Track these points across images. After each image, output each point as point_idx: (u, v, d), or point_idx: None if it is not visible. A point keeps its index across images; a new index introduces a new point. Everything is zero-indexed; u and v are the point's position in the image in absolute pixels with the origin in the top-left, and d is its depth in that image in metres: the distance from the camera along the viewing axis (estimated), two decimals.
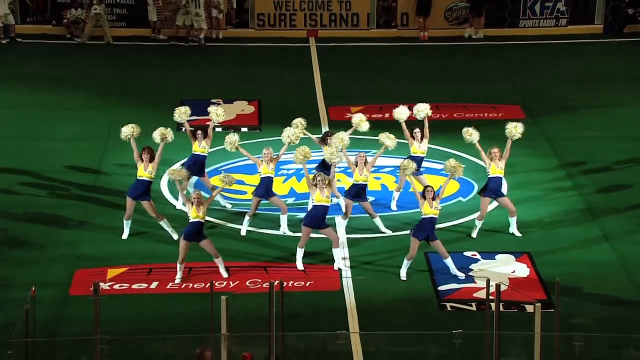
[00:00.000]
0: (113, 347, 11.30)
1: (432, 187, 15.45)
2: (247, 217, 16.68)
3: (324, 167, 17.15)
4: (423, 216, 15.22)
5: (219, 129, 21.16)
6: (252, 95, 23.07)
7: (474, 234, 16.49)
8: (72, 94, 23.02)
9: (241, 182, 18.61)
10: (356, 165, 16.39)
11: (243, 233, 16.68)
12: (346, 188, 16.90)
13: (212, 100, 22.67)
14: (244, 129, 21.26)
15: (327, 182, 15.54)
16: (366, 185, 16.47)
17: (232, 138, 16.84)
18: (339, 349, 12.86)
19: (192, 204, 15.13)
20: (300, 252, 15.57)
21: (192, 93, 23.26)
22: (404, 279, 15.28)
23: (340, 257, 15.65)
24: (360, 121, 17.55)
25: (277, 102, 22.66)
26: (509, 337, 12.25)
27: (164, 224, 16.42)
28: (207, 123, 18.03)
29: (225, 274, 15.23)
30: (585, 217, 17.46)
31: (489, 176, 16.48)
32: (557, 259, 16.06)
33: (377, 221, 16.63)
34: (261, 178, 16.60)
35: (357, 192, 16.44)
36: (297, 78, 24.22)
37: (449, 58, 25.82)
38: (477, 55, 25.97)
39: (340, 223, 16.65)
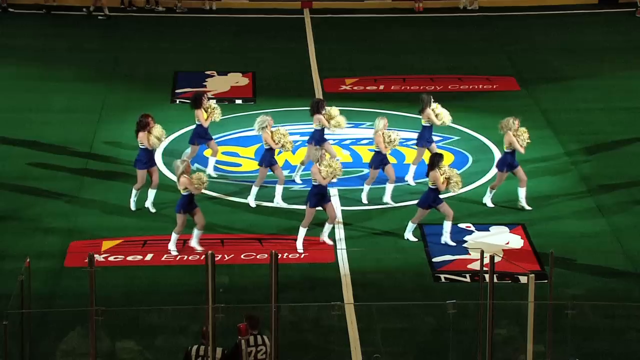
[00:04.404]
0: (108, 319, 11.33)
1: (441, 154, 15.54)
2: (254, 188, 16.56)
3: (319, 138, 17.13)
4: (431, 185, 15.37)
5: (212, 101, 21.17)
6: (247, 67, 23.01)
7: (489, 203, 16.47)
8: (65, 66, 22.93)
9: (236, 155, 18.62)
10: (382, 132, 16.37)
11: (253, 205, 16.55)
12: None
13: (207, 72, 22.63)
14: (238, 101, 21.22)
15: (318, 159, 15.40)
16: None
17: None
18: (334, 319, 12.91)
19: (185, 174, 15.04)
20: (303, 232, 15.38)
21: (186, 65, 23.20)
22: (414, 240, 15.37)
23: (328, 232, 15.46)
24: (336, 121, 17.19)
25: (272, 74, 22.60)
26: (502, 307, 12.32)
27: (135, 192, 16.33)
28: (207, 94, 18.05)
29: (199, 248, 15.13)
30: (579, 189, 17.49)
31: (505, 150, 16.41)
32: (551, 231, 16.11)
33: (390, 188, 16.61)
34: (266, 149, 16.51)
35: (382, 159, 16.43)
36: (291, 50, 24.15)
37: (443, 29, 25.75)
38: (472, 27, 25.90)
39: (365, 189, 16.64)
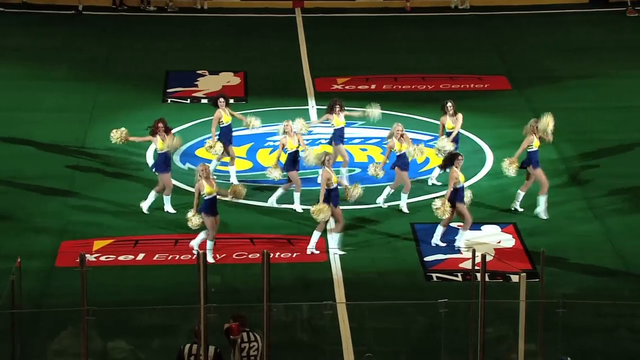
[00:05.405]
0: (100, 318, 11.31)
1: (457, 154, 15.63)
2: (296, 194, 16.43)
3: (342, 137, 17.10)
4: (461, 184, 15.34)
5: (204, 101, 21.15)
6: (238, 66, 22.99)
7: (542, 213, 16.30)
8: (57, 65, 22.88)
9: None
10: (396, 138, 16.30)
11: (300, 210, 16.41)
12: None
13: (198, 72, 22.61)
14: (230, 101, 21.19)
15: (333, 162, 15.37)
16: (405, 154, 16.44)
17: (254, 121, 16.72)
18: (326, 319, 12.92)
19: (202, 178, 14.89)
20: (336, 236, 15.29)
21: (178, 64, 23.17)
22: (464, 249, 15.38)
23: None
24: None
25: (263, 74, 22.59)
26: (494, 306, 12.34)
27: (153, 195, 16.32)
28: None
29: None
30: (570, 188, 17.52)
31: (529, 150, 16.30)
32: (542, 230, 16.14)
33: (388, 190, 16.54)
34: (289, 153, 16.42)
35: (406, 161, 16.44)
36: (283, 49, 24.14)
37: (435, 28, 25.77)
38: (463, 26, 25.93)
39: (403, 197, 16.50)
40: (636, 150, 18.96)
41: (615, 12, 26.85)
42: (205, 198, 14.95)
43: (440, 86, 22.02)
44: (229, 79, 22.35)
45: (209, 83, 22.06)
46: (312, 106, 20.73)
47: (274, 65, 23.14)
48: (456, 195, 15.34)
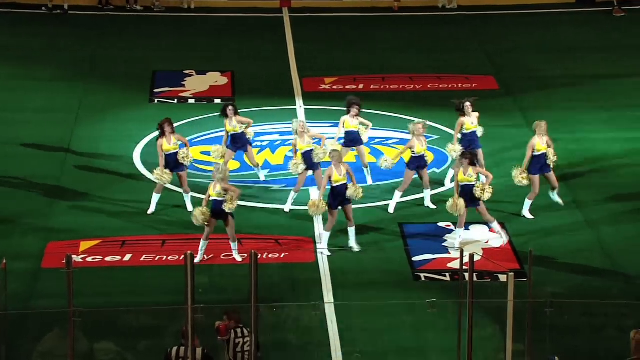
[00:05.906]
0: (86, 320, 11.26)
1: (468, 153, 15.48)
2: (292, 193, 16.33)
3: (353, 141, 16.97)
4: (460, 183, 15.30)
5: (192, 101, 21.10)
6: (226, 66, 22.95)
7: (527, 214, 16.31)
8: (42, 65, 22.78)
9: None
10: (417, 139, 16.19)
11: (287, 210, 16.36)
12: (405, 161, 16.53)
13: (185, 72, 22.55)
14: (217, 101, 21.16)
15: (341, 160, 15.21)
16: (424, 155, 16.35)
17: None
18: (314, 319, 12.89)
19: (214, 179, 14.83)
20: (326, 235, 15.25)
21: (164, 64, 23.10)
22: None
23: (354, 236, 15.36)
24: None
25: (251, 73, 22.55)
26: (482, 305, 12.34)
27: (187, 197, 16.21)
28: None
29: (238, 258, 14.98)
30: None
31: (534, 153, 16.22)
32: (530, 229, 16.15)
33: (428, 193, 16.47)
34: (302, 153, 16.22)
35: (419, 164, 16.33)
36: (270, 49, 24.10)
37: (423, 28, 25.78)
38: (451, 25, 25.94)
39: (397, 195, 16.43)
40: (624, 150, 19.01)
41: (601, 12, 26.91)
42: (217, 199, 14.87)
43: (428, 86, 22.02)
44: (216, 79, 22.29)
45: (196, 83, 22.01)
46: (299, 106, 20.70)
47: (261, 65, 23.10)
48: (466, 193, 15.28)
